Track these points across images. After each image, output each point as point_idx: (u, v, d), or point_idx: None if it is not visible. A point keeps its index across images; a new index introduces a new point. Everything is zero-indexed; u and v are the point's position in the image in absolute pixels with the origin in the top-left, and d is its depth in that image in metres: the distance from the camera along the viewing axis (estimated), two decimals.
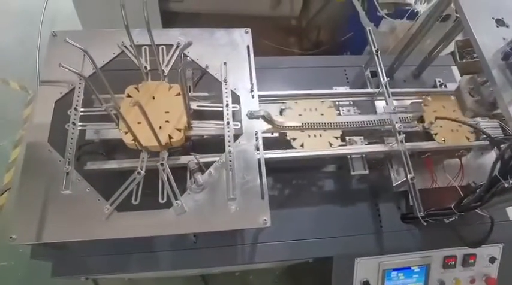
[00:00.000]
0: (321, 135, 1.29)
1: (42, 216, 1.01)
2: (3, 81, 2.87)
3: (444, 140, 1.33)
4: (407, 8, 2.10)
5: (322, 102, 1.37)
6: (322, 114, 1.34)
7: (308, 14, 2.98)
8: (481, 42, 1.06)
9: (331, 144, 1.28)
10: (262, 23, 2.99)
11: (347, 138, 1.34)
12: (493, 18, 1.10)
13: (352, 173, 1.30)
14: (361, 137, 1.33)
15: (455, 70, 1.72)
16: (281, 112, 1.36)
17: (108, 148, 1.24)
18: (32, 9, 3.15)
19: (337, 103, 1.41)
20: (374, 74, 1.51)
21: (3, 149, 2.63)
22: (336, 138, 1.29)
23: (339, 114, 1.39)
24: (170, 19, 2.86)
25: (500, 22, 1.09)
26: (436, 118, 1.26)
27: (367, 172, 1.30)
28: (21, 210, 1.02)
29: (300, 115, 1.32)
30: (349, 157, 1.31)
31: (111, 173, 1.16)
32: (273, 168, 1.20)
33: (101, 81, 1.08)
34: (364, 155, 1.32)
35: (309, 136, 1.28)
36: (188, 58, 0.90)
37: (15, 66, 2.92)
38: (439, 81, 1.59)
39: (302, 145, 1.26)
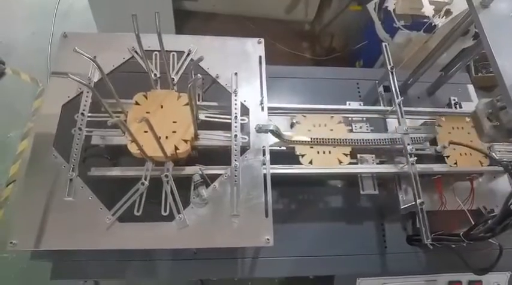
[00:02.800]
0: (330, 152, 1.26)
1: (44, 222, 1.00)
2: (14, 72, 2.88)
3: (456, 163, 1.30)
4: (424, 20, 2.05)
5: (332, 117, 1.34)
6: (331, 130, 1.31)
7: (322, 20, 2.94)
8: (501, 67, 1.02)
9: (340, 161, 1.25)
10: (276, 26, 2.97)
11: (358, 155, 1.31)
12: None
13: (362, 192, 1.27)
14: (373, 156, 1.30)
15: (470, 88, 1.67)
16: (292, 125, 1.34)
17: (113, 153, 1.23)
18: (45, 1, 3.16)
19: (349, 118, 1.38)
20: (387, 89, 1.47)
21: (11, 140, 2.64)
22: (346, 155, 1.26)
23: (351, 130, 1.36)
24: (184, 18, 2.85)
25: None
26: (450, 142, 1.22)
27: (376, 192, 1.27)
28: (23, 215, 1.01)
29: (309, 130, 1.29)
30: (359, 176, 1.28)
31: (115, 177, 1.15)
32: (278, 182, 1.18)
33: (108, 87, 1.06)
34: (374, 175, 1.28)
35: (318, 152, 1.25)
36: (198, 75, 0.87)
37: (27, 58, 2.93)
38: (454, 100, 1.55)
39: (311, 162, 1.23)
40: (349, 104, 1.44)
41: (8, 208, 2.37)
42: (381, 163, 1.32)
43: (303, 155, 1.24)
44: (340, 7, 2.66)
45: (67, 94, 1.19)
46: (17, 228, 1.00)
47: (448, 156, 1.30)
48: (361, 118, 1.39)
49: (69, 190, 1.04)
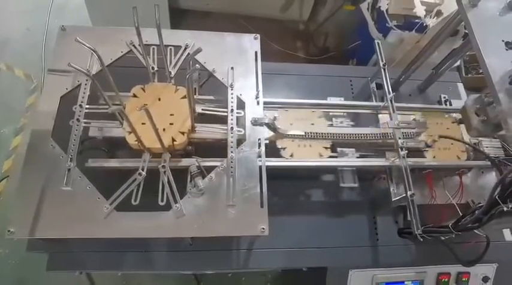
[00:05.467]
0: (310, 145, 1.29)
1: (42, 211, 1.01)
2: (8, 68, 2.86)
3: (434, 157, 1.34)
4: (416, 20, 2.10)
5: (313, 111, 1.37)
6: (312, 124, 1.34)
7: (316, 19, 2.97)
8: (489, 64, 1.06)
9: (321, 155, 1.28)
10: (271, 25, 2.98)
11: (338, 149, 1.33)
12: (503, 40, 1.10)
13: (342, 185, 1.31)
14: (353, 150, 1.33)
15: (460, 87, 1.71)
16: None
17: (110, 145, 1.25)
18: None
19: (330, 114, 1.41)
20: (380, 86, 1.51)
21: (5, 136, 2.63)
22: (326, 148, 1.30)
23: (331, 125, 1.38)
24: (179, 16, 2.86)
25: (509, 45, 1.09)
26: (440, 136, 1.26)
27: (356, 185, 1.30)
28: (21, 204, 1.02)
29: (291, 124, 1.32)
30: (339, 169, 1.31)
31: (112, 169, 1.16)
32: (272, 175, 1.20)
33: (107, 79, 1.08)
34: (355, 169, 1.31)
35: (299, 146, 1.29)
36: (196, 65, 0.90)
37: (21, 54, 2.92)
38: (444, 97, 1.59)
39: (292, 155, 1.26)
40: (329, 99, 1.48)
41: (1, 203, 2.36)
42: (361, 156, 1.35)
43: (284, 148, 1.27)
44: (334, 7, 2.69)
45: (65, 86, 1.20)
46: (14, 216, 1.01)
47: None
48: (342, 113, 1.42)
49: (67, 180, 1.05)
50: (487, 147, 1.43)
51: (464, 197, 1.40)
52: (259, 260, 1.32)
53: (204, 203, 1.07)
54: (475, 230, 1.15)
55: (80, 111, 1.15)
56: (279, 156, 1.27)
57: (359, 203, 1.45)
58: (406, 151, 1.24)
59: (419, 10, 2.04)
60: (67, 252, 1.25)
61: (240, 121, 1.22)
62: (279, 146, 1.28)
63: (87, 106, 1.17)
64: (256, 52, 1.32)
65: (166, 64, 1.21)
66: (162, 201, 1.05)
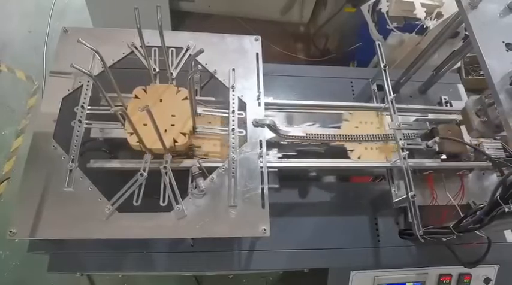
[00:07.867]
0: (377, 148, 1.34)
1: (43, 212, 1.01)
2: (9, 70, 2.87)
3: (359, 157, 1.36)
4: (416, 22, 2.10)
5: (378, 115, 1.41)
6: (378, 128, 1.38)
7: (317, 21, 2.99)
8: (489, 65, 1.06)
9: (387, 158, 1.33)
10: (271, 27, 3.00)
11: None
12: (503, 42, 1.10)
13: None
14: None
15: (461, 88, 1.72)
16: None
17: (112, 146, 1.25)
18: (42, 0, 3.16)
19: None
20: (380, 87, 1.51)
21: (5, 137, 2.63)
22: (393, 152, 1.33)
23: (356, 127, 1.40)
24: (180, 18, 2.87)
25: (510, 46, 1.09)
26: (440, 137, 1.26)
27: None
28: (23, 205, 1.02)
29: (356, 127, 1.37)
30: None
31: (113, 170, 1.16)
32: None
33: (109, 80, 1.08)
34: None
35: (366, 148, 1.33)
36: (198, 66, 0.90)
37: (22, 56, 2.93)
38: (445, 99, 1.59)
39: (359, 157, 1.30)
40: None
41: (2, 205, 2.36)
42: None
43: (351, 151, 1.32)
44: (334, 9, 2.71)
45: (66, 87, 1.21)
46: (16, 217, 1.00)
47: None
48: None
49: (69, 181, 1.05)
50: (488, 148, 1.43)
51: (466, 198, 1.40)
52: (260, 262, 1.32)
53: (206, 203, 1.07)
54: (477, 231, 1.15)
55: (82, 112, 1.15)
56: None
57: (360, 204, 1.45)
58: (407, 152, 1.24)
59: (420, 12, 2.05)
60: (68, 254, 1.25)
61: (241, 122, 1.22)
62: (348, 149, 1.31)
63: (89, 107, 1.17)
64: (257, 54, 1.32)
65: (168, 66, 1.21)
66: (163, 202, 1.05)
